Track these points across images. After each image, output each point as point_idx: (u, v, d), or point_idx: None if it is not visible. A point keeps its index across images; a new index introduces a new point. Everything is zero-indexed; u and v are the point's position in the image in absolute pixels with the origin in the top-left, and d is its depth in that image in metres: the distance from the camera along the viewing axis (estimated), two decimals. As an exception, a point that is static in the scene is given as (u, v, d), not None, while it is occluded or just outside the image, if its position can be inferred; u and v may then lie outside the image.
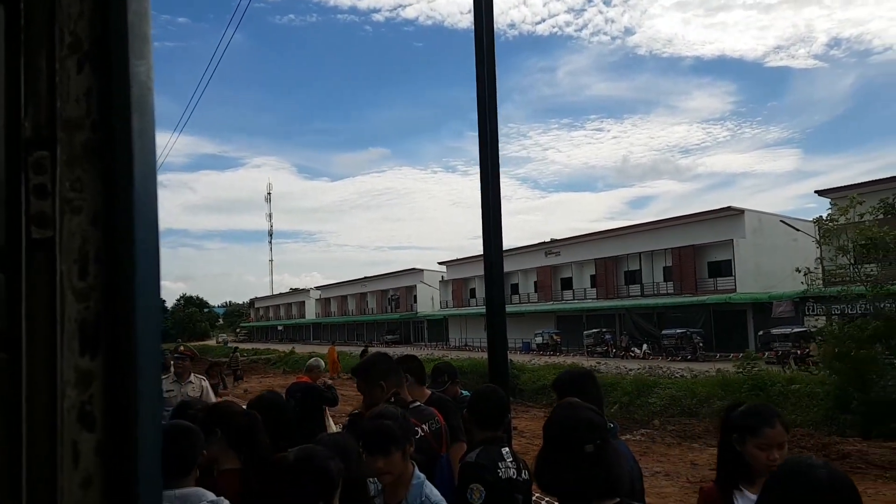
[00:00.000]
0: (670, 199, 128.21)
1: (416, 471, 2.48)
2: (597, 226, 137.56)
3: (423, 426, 2.96)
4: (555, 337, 43.97)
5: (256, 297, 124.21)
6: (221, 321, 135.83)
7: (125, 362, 0.62)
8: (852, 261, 16.05)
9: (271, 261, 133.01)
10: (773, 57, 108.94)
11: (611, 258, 46.57)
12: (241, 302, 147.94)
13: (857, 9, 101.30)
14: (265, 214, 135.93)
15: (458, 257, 64.80)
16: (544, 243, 54.26)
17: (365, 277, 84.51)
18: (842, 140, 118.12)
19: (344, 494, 1.95)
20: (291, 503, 1.80)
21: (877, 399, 13.19)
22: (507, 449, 3.00)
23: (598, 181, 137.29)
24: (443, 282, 67.46)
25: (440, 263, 70.43)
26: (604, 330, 41.86)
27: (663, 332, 37.49)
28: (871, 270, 15.49)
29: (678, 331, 35.67)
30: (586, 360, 31.68)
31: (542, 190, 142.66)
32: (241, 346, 69.92)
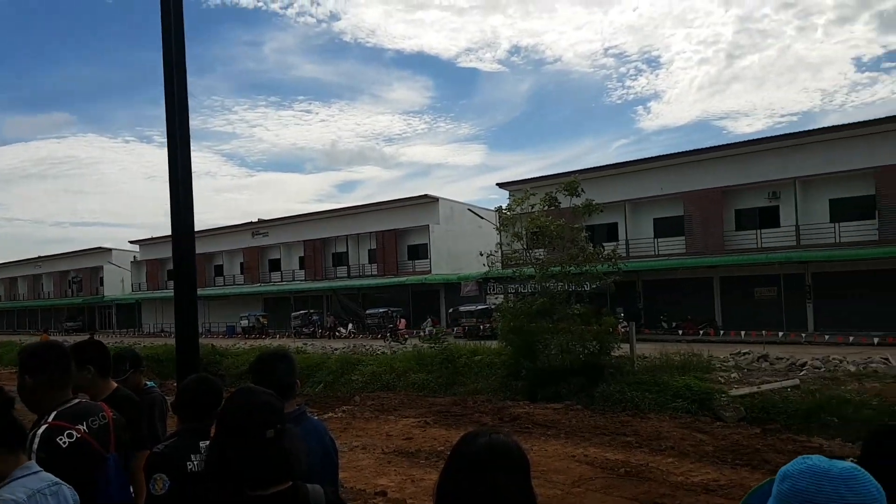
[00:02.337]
0: (376, 184, 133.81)
1: (18, 470, 2.04)
2: (306, 207, 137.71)
3: (80, 426, 2.58)
4: (262, 319, 43.22)
5: None
6: None
7: None
8: (525, 246, 18.53)
9: None
10: (465, 58, 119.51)
11: (319, 240, 47.11)
12: None
13: (534, 20, 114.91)
14: None
15: (154, 236, 59.88)
16: (251, 223, 52.66)
17: (39, 257, 73.59)
18: (519, 139, 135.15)
19: None
20: None
21: (541, 367, 15.39)
22: (208, 442, 2.84)
23: (306, 163, 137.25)
24: (135, 262, 61.63)
25: (132, 242, 64.29)
26: (311, 311, 42.32)
27: (367, 311, 39.26)
28: (539, 255, 18.00)
29: (381, 310, 37.67)
30: (293, 342, 31.64)
31: (249, 168, 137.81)
32: None
